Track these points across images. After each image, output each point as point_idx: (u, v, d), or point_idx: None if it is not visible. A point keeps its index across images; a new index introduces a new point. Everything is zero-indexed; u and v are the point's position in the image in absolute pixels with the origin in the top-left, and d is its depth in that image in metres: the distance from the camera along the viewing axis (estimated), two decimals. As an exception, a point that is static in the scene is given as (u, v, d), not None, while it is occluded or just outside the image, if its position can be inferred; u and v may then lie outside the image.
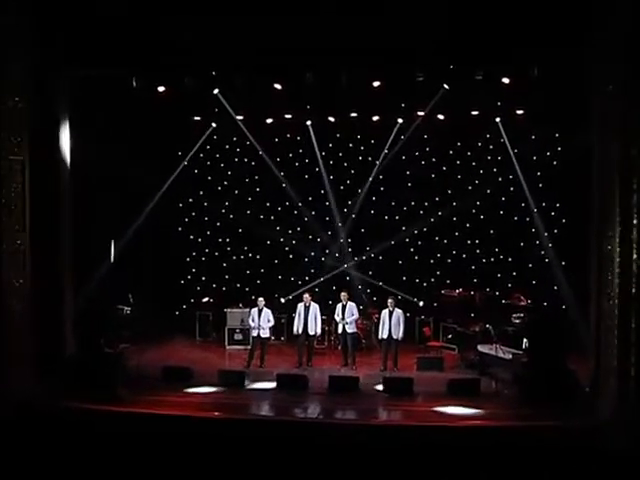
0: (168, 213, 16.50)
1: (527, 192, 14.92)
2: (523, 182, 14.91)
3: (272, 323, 13.26)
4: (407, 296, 15.10)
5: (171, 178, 15.60)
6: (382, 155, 15.79)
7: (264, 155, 16.04)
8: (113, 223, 14.59)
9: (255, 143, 15.78)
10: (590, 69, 10.51)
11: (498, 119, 14.95)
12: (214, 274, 16.91)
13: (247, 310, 13.73)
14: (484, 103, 13.94)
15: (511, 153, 15.01)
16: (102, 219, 14.14)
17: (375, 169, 15.97)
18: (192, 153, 16.06)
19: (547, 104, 13.30)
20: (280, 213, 16.78)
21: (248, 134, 15.56)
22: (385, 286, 15.28)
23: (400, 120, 15.32)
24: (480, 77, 11.85)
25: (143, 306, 14.40)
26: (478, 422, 9.72)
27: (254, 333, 13.05)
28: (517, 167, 14.88)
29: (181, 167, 15.99)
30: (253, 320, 13.12)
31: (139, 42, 11.19)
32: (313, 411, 10.48)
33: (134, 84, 12.57)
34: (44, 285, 10.99)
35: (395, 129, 15.40)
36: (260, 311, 13.16)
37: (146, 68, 12.02)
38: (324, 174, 16.19)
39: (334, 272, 15.79)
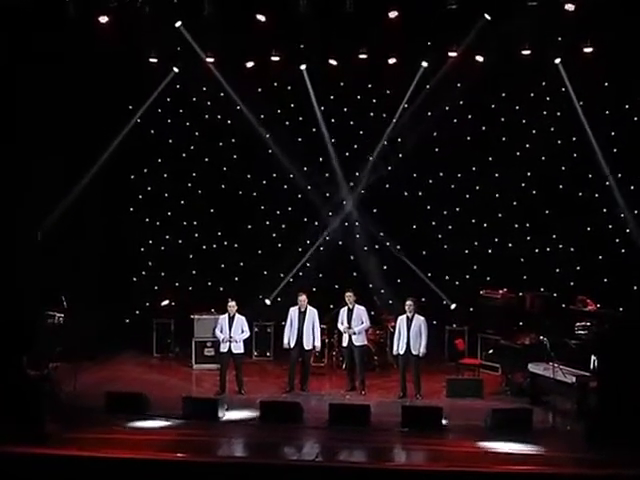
0: (116, 187, 16.33)
1: (599, 158, 14.88)
2: (594, 144, 14.85)
3: (247, 334, 13.26)
4: (439, 291, 15.19)
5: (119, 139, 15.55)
6: (400, 110, 15.73)
7: (244, 110, 15.94)
8: (42, 200, 14.42)
9: (232, 93, 15.69)
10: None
11: (558, 60, 14.83)
12: (177, 269, 16.82)
13: (220, 317, 13.58)
14: (539, 39, 13.81)
15: (577, 106, 14.91)
16: (28, 194, 13.98)
17: (391, 128, 15.89)
18: (147, 106, 15.90)
19: (626, 38, 13.09)
20: (265, 188, 16.67)
21: (223, 82, 15.50)
22: (421, 273, 15.31)
23: (425, 63, 15.25)
24: (534, 2, 11.68)
25: (81, 311, 14.21)
26: (529, 468, 9.66)
27: (223, 348, 13.07)
28: (585, 125, 14.78)
29: (132, 125, 15.91)
30: (222, 330, 13.12)
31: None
32: (309, 451, 10.48)
33: (70, 12, 12.43)
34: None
35: (418, 75, 15.33)
36: (231, 318, 13.11)
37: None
38: (325, 135, 16.06)
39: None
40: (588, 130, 14.95)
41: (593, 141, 14.94)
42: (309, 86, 15.70)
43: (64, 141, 14.53)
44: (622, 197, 14.95)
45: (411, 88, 15.42)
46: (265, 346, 15.49)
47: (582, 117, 14.95)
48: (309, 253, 16.11)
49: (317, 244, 16.16)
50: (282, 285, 15.74)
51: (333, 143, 16.18)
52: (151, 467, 9.51)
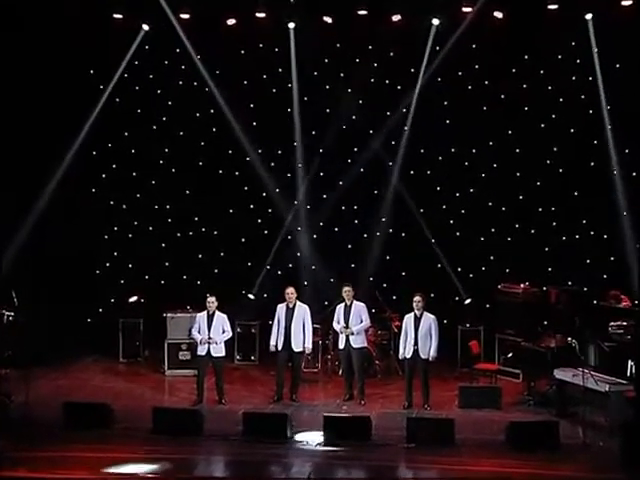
0: (75, 166, 16.12)
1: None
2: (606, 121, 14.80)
3: (228, 335, 13.22)
4: (458, 283, 15.28)
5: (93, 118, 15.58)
6: (410, 76, 15.73)
7: (224, 75, 15.93)
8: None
9: (210, 56, 15.64)
10: None
11: (589, 16, 14.80)
12: (147, 260, 16.78)
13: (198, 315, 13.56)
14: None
15: (597, 70, 14.84)
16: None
17: (395, 96, 15.85)
18: (111, 71, 15.80)
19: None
20: (249, 166, 16.50)
21: (188, 47, 15.51)
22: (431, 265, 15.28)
23: (436, 21, 15.22)
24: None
25: (35, 309, 14.19)
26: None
27: (201, 351, 13.03)
28: (602, 96, 14.81)
29: (95, 93, 15.81)
30: (199, 330, 13.10)
31: None
32: (300, 470, 10.47)
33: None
34: None
35: (431, 37, 15.33)
36: (210, 317, 13.08)
37: None
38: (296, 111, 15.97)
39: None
40: (603, 100, 15.07)
41: (605, 111, 15.03)
42: (292, 48, 15.70)
43: (15, 112, 14.57)
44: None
45: (427, 51, 15.40)
46: (249, 348, 15.45)
47: (600, 85, 14.99)
48: (276, 241, 16.09)
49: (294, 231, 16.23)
50: (267, 277, 15.75)
51: (327, 113, 16.09)
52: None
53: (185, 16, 15.08)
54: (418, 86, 15.68)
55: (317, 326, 14.08)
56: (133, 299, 15.95)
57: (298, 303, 13.17)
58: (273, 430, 11.33)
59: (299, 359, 13.29)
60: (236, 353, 15.34)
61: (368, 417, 11.57)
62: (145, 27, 15.60)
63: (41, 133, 15.20)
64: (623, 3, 14.06)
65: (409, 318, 12.85)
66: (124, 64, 15.90)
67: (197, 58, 15.94)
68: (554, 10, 14.30)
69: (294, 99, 16.03)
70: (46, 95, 14.97)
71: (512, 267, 15.80)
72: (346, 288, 13.27)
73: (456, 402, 12.80)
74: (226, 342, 13.19)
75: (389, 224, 16.26)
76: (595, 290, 14.67)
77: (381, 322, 14.91)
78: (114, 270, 16.83)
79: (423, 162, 16.33)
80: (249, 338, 15.44)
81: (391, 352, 14.55)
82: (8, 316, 14.07)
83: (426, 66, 15.55)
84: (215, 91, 16.17)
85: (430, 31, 15.27)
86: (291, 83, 16.03)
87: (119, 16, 15.19)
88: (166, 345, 14.77)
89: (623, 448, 10.47)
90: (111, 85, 15.94)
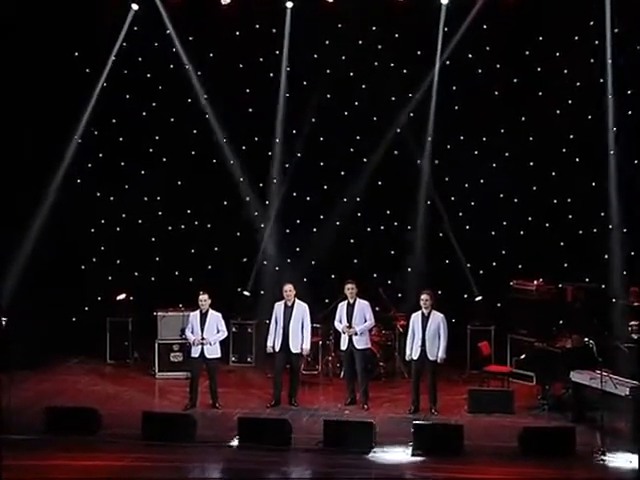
0: (59, 155, 16.11)
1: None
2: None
3: (223, 334, 13.22)
4: (472, 280, 15.31)
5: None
6: (417, 60, 15.85)
7: (218, 58, 16.02)
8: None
9: (188, 46, 15.77)
10: None
11: None
12: (136, 255, 16.75)
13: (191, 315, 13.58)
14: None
15: (607, 52, 14.74)
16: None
17: (399, 81, 15.86)
18: (99, 54, 15.81)
19: None
20: (245, 155, 16.51)
21: (179, 29, 15.62)
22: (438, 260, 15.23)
23: (445, 0, 15.22)
24: None
25: (17, 309, 14.06)
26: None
27: (194, 352, 13.03)
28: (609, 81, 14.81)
29: (80, 77, 15.84)
30: (192, 330, 13.12)
31: None
32: (299, 477, 10.62)
33: None
34: None
35: (442, 19, 15.35)
36: (204, 315, 13.09)
37: None
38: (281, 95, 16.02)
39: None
40: (609, 85, 15.04)
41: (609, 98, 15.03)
42: (287, 30, 15.70)
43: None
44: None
45: (440, 33, 15.39)
46: (245, 349, 15.48)
47: (609, 69, 14.95)
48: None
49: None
50: (263, 273, 15.73)
51: (328, 99, 16.07)
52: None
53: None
54: (437, 70, 15.64)
55: (317, 326, 14.07)
56: (121, 297, 15.97)
57: (297, 301, 13.17)
58: (270, 436, 11.32)
59: (298, 361, 13.31)
60: (231, 354, 15.34)
61: (371, 422, 11.54)
62: (134, 7, 15.55)
63: (24, 122, 15.28)
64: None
65: (416, 317, 12.86)
66: (116, 47, 15.83)
67: (189, 40, 15.92)
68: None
69: (281, 84, 16.06)
70: (30, 82, 15.05)
71: (525, 262, 15.74)
72: (349, 285, 13.24)
73: (465, 407, 12.84)
74: (221, 343, 13.19)
75: (394, 217, 16.28)
76: (614, 287, 14.66)
77: (385, 321, 14.90)
78: (101, 266, 16.77)
79: (430, 152, 16.20)
80: (245, 338, 15.45)
81: (396, 353, 14.57)
82: (-13, 316, 14.16)
83: (436, 49, 15.53)
84: (208, 75, 16.16)
85: (439, 12, 15.23)
86: (289, 67, 15.99)
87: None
88: (156, 346, 14.79)
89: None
90: (106, 70, 15.89)
